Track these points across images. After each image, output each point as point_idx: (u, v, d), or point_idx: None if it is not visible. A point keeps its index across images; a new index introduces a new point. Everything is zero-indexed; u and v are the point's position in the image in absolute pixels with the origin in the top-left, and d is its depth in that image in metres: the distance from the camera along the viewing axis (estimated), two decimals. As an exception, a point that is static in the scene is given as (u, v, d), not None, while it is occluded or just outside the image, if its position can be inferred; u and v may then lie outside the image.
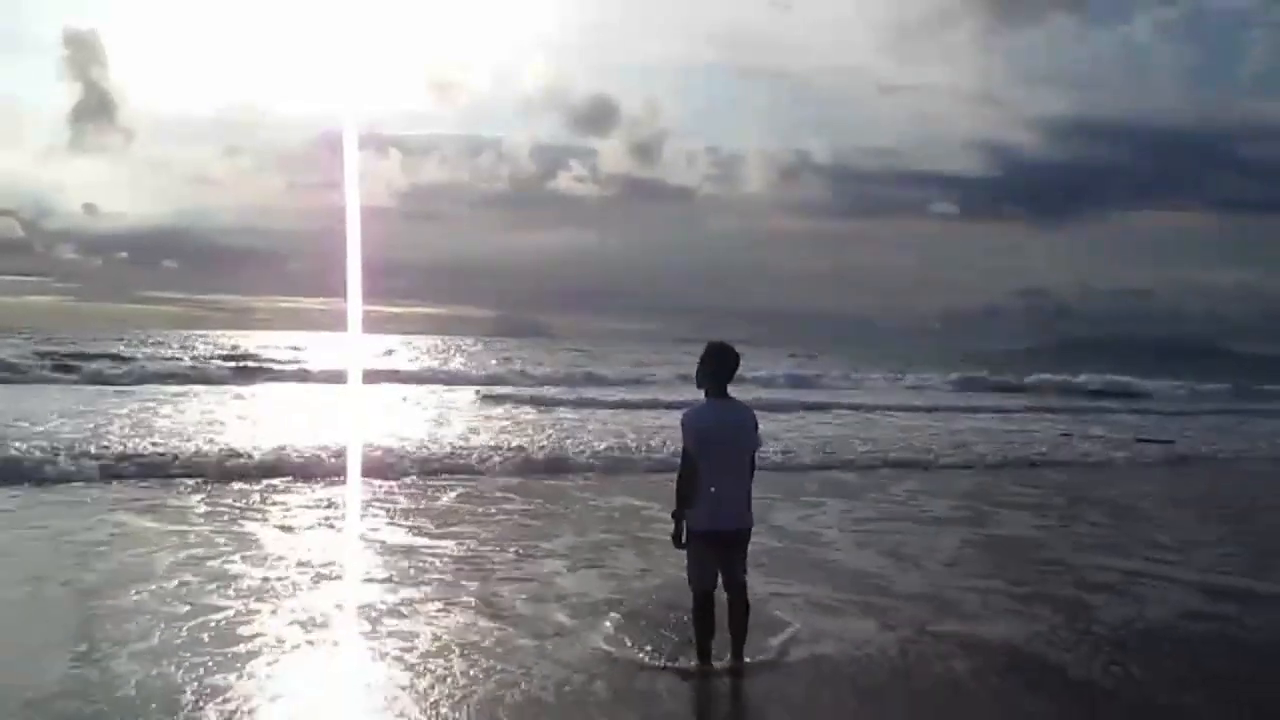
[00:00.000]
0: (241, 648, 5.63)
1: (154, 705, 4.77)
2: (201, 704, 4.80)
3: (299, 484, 11.35)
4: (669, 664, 5.54)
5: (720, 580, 5.39)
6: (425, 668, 5.43)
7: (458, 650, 5.72)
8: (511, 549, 8.45)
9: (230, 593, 6.77)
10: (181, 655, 5.45)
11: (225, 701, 4.85)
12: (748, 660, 5.53)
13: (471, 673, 5.37)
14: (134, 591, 6.72)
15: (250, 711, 4.77)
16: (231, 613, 6.30)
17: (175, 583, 6.98)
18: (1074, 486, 13.88)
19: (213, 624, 6.05)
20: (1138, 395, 37.27)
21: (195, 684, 5.04)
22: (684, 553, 5.38)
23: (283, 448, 12.96)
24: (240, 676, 5.20)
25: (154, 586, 6.86)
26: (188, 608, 6.38)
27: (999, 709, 5.26)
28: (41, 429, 15.08)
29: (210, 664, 5.33)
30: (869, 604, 7.09)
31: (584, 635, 6.09)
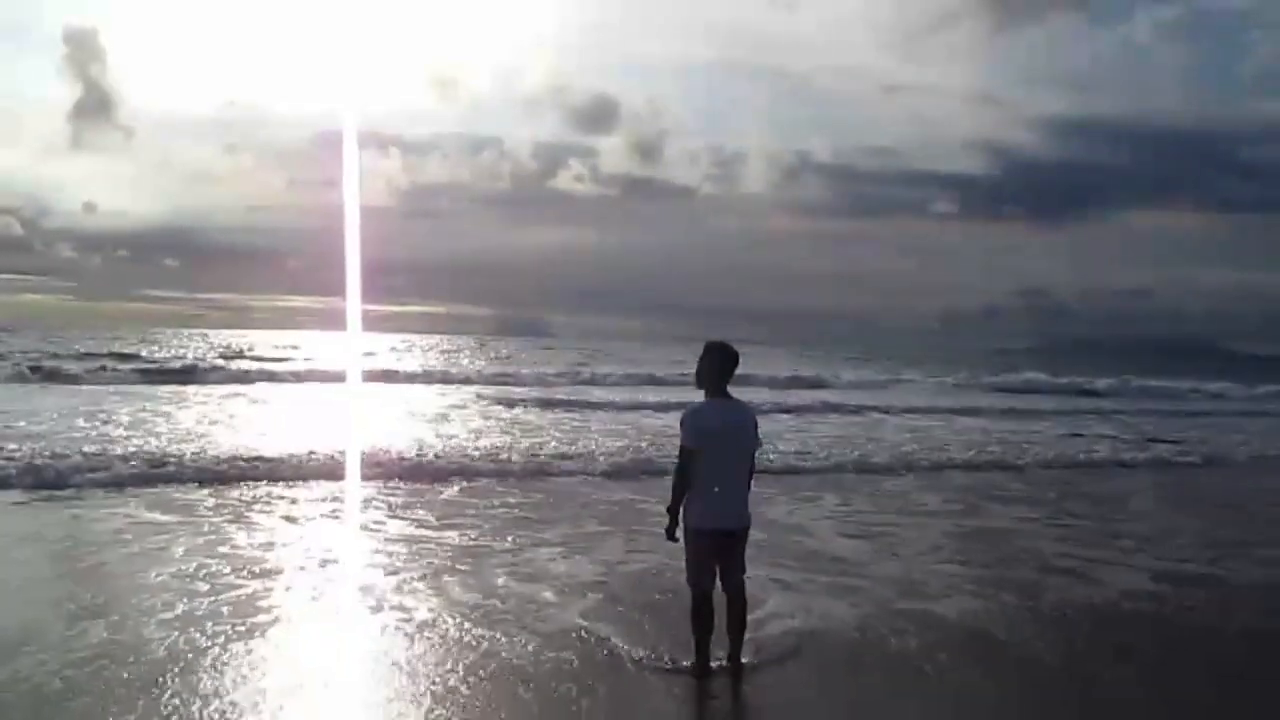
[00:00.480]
0: (259, 618, 6.23)
1: (182, 666, 5.34)
2: (224, 665, 5.38)
3: (302, 481, 11.71)
4: (664, 664, 5.65)
5: (719, 580, 5.50)
6: (420, 636, 6.02)
7: (451, 622, 6.29)
8: (508, 539, 8.95)
9: (245, 574, 7.32)
10: (204, 624, 6.05)
11: (245, 663, 5.43)
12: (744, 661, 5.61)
13: (464, 641, 5.94)
14: (155, 573, 7.27)
15: (266, 672, 5.35)
16: (249, 590, 6.88)
17: (194, 565, 7.53)
18: (1071, 484, 14.05)
19: (231, 599, 6.63)
20: (1138, 395, 37.52)
21: (218, 649, 5.63)
22: (674, 545, 5.53)
23: (285, 447, 13.36)
24: (258, 642, 5.80)
25: (173, 569, 7.41)
26: (207, 586, 6.96)
27: (948, 681, 5.74)
28: (42, 429, 15.35)
29: (231, 632, 5.92)
30: (844, 585, 7.61)
31: (566, 612, 6.63)
